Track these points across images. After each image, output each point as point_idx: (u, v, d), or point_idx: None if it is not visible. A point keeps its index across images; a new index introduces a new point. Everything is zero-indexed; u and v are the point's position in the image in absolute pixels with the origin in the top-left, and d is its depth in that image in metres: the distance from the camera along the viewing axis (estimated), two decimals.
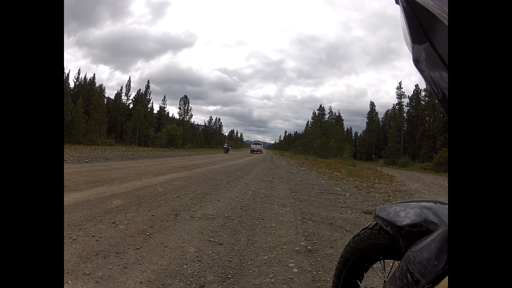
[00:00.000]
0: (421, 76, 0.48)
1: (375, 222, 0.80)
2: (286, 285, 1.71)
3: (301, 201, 4.48)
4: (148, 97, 46.16)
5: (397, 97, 42.67)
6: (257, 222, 3.03)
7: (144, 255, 1.96)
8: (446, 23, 0.38)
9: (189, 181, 5.81)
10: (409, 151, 37.06)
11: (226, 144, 34.98)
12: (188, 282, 1.65)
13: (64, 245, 1.99)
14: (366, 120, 49.37)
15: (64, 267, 1.65)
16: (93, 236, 2.23)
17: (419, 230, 0.62)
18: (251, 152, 35.29)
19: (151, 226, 2.61)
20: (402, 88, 42.77)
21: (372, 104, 49.72)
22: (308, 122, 61.32)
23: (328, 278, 1.81)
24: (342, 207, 4.21)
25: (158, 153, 18.06)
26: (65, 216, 2.61)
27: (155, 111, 48.27)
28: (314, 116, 56.50)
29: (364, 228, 0.85)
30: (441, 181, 12.48)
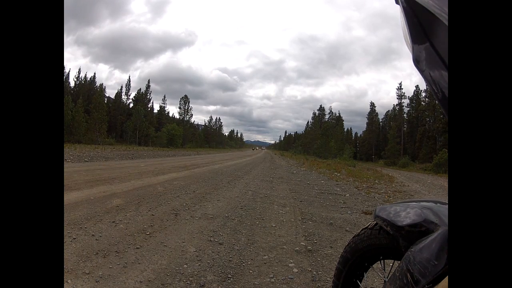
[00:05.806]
0: (421, 77, 0.48)
1: (375, 222, 0.80)
2: (286, 285, 1.71)
3: (301, 201, 4.48)
4: (148, 97, 46.16)
5: (397, 98, 42.60)
6: (257, 222, 3.03)
7: (144, 255, 1.96)
8: (446, 23, 0.38)
9: (189, 180, 5.81)
10: (409, 152, 36.97)
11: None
12: (188, 282, 1.65)
13: (64, 244, 1.99)
14: (366, 120, 49.32)
15: (64, 266, 1.66)
16: (93, 235, 2.23)
17: (419, 230, 0.62)
18: (259, 149, 72.80)
19: (151, 226, 2.61)
20: (402, 88, 42.70)
21: (372, 105, 49.62)
22: (308, 122, 61.43)
23: (328, 278, 1.81)
24: (342, 207, 4.21)
25: (158, 153, 18.05)
26: (65, 215, 2.61)
27: (155, 111, 48.34)
28: (314, 117, 56.48)
29: (364, 228, 0.85)
30: (441, 182, 12.48)
